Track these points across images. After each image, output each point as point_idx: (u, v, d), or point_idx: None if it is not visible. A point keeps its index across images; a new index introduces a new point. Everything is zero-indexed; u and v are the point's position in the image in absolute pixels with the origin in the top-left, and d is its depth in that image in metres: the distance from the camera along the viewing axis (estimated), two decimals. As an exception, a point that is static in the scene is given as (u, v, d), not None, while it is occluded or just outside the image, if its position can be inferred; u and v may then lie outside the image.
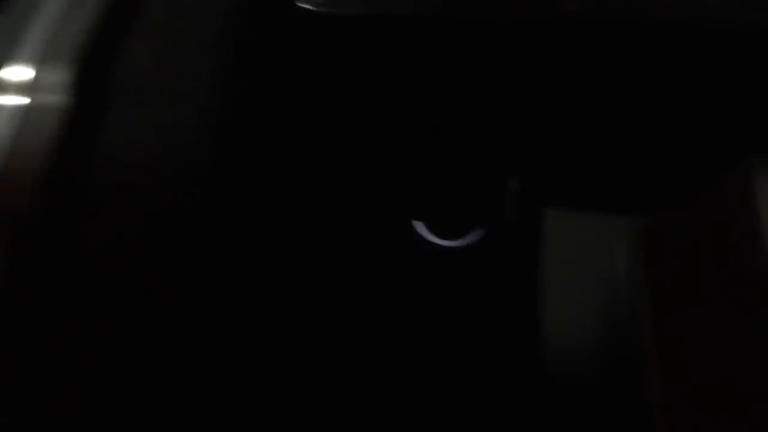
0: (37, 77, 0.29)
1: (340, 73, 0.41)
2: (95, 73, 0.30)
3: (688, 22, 0.37)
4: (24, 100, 0.29)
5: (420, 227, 0.45)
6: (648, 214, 0.39)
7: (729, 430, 0.30)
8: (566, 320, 0.41)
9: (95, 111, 0.29)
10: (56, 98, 0.28)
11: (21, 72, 0.29)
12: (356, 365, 0.43)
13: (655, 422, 0.34)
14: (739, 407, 0.30)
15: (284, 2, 0.37)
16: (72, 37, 0.30)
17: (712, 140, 0.38)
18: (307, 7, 0.37)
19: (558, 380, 0.40)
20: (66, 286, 0.27)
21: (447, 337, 0.43)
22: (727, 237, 0.33)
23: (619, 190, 0.40)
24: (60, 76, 0.29)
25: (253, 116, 0.39)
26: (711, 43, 0.37)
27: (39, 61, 0.30)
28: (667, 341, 0.36)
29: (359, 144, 0.45)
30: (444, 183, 0.44)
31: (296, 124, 0.42)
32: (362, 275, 0.45)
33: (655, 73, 0.38)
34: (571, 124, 0.41)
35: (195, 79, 0.35)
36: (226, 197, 0.36)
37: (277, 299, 0.40)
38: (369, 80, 0.42)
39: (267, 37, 0.39)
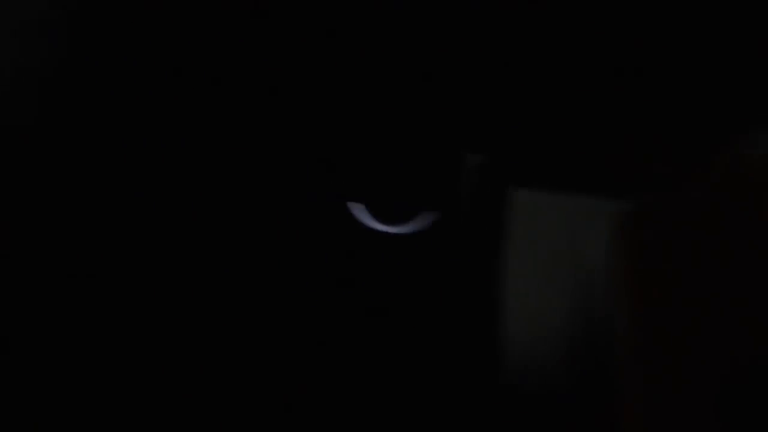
0: None
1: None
2: None
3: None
4: None
5: (359, 211, 0.35)
6: (631, 196, 0.37)
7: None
8: (531, 320, 0.37)
9: None
10: None
11: None
12: (291, 367, 0.35)
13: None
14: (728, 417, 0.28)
15: None
16: None
17: (705, 112, 0.37)
18: None
19: (519, 389, 0.36)
20: None
21: (390, 339, 0.36)
22: (722, 222, 0.31)
23: (598, 168, 0.37)
24: None
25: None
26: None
27: None
28: (650, 345, 0.34)
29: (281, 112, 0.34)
30: (387, 156, 0.36)
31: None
32: (292, 267, 0.35)
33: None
34: (540, 87, 0.36)
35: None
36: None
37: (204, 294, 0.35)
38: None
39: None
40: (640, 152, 0.37)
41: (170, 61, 0.35)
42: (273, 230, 0.35)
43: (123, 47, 0.35)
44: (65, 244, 0.35)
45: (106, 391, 0.34)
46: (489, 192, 0.37)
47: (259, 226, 0.35)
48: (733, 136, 0.28)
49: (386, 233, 0.36)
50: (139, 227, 0.35)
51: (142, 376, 0.34)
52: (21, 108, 0.35)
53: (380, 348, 0.36)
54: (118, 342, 0.34)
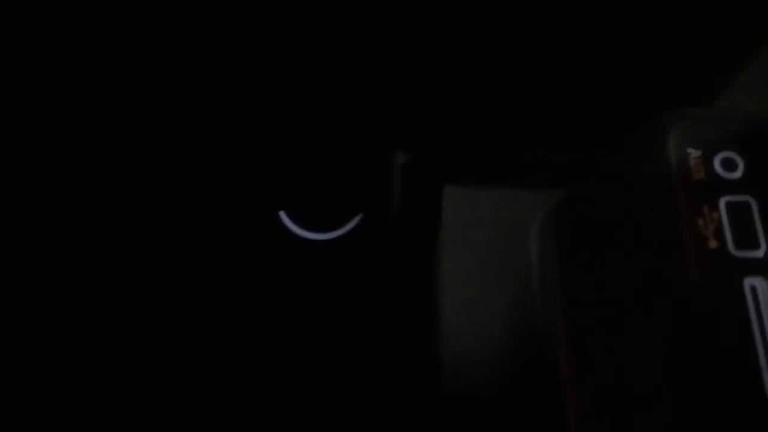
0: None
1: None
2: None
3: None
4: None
5: (283, 217, 0.34)
6: (566, 187, 0.35)
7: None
8: (470, 323, 0.35)
9: None
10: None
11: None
12: (218, 383, 0.33)
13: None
14: (647, 408, 0.27)
15: None
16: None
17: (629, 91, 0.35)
18: None
19: (461, 394, 0.34)
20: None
21: (323, 348, 0.34)
22: (637, 207, 0.30)
23: (532, 159, 0.36)
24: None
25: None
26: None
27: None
28: (579, 337, 0.32)
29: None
30: (307, 158, 0.35)
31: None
32: (212, 280, 0.33)
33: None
34: (470, 78, 0.35)
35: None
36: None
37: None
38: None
39: None
40: (568, 141, 0.35)
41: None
42: (192, 241, 0.34)
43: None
44: None
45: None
46: (420, 191, 0.36)
47: (179, 236, 0.34)
48: (645, 120, 0.26)
49: (310, 240, 0.34)
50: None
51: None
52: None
53: (313, 358, 0.34)
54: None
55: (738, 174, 0.25)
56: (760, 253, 0.24)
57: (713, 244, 0.24)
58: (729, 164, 0.25)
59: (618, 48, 0.33)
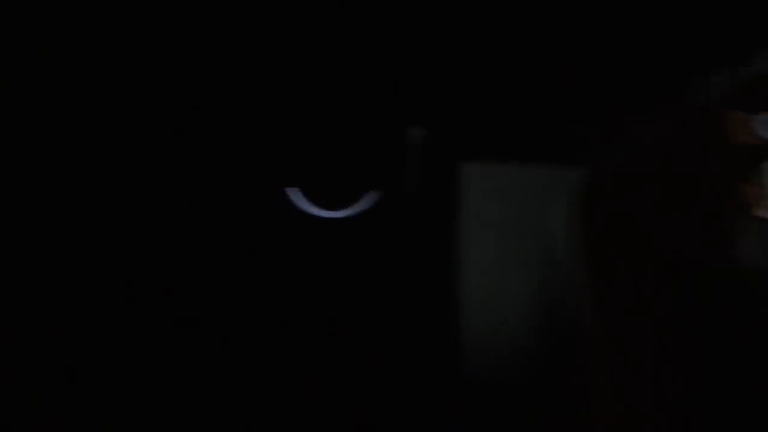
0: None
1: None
2: None
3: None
4: None
5: (295, 195, 0.33)
6: (584, 163, 0.34)
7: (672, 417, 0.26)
8: (492, 303, 0.34)
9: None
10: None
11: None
12: (232, 361, 0.32)
13: (595, 412, 0.30)
14: (684, 391, 0.26)
15: None
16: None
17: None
18: None
19: (482, 377, 0.33)
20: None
21: (339, 328, 0.33)
22: (677, 174, 0.28)
23: (554, 135, 0.34)
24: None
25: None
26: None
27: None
28: (610, 317, 0.31)
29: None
30: (322, 134, 0.33)
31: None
32: (229, 259, 0.32)
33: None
34: (483, 51, 0.34)
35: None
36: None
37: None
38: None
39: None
40: (591, 113, 0.34)
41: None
42: (208, 220, 0.33)
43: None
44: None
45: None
46: (436, 168, 0.34)
47: (195, 216, 0.33)
48: (672, 91, 0.25)
49: (327, 218, 0.33)
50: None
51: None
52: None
53: (328, 339, 0.33)
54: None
55: (785, 137, 0.24)
56: (807, 218, 0.22)
57: (757, 209, 0.23)
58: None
59: (642, 16, 0.32)
